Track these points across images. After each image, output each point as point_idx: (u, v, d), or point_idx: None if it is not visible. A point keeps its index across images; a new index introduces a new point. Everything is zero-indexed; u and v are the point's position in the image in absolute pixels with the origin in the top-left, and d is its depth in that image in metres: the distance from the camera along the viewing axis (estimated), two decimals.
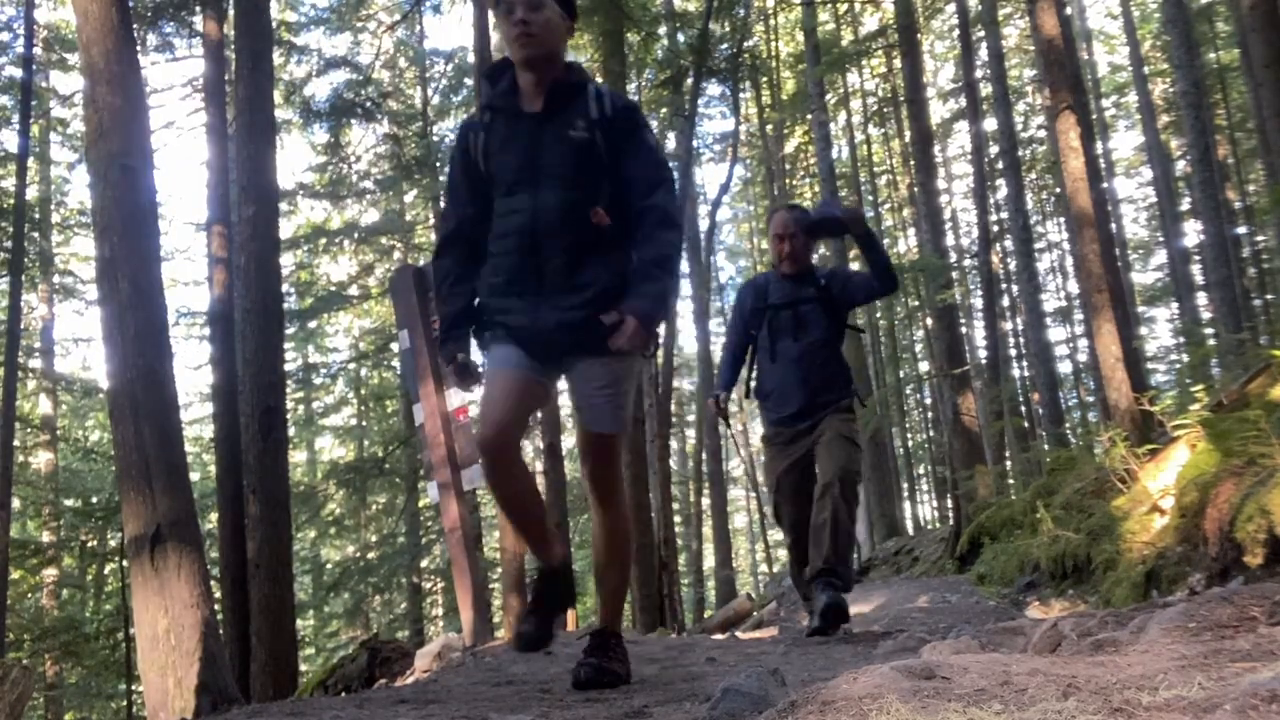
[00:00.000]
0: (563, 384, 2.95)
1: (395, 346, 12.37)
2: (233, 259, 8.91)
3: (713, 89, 18.82)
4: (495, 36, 15.95)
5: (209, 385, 12.79)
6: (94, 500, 14.49)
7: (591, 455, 2.75)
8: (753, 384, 4.63)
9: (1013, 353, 23.93)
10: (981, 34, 17.74)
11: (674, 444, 23.12)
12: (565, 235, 2.60)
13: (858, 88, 25.72)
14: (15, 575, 12.40)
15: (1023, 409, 20.68)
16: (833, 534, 4.00)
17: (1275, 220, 14.33)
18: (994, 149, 19.26)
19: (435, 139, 16.27)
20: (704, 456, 18.04)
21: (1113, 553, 5.87)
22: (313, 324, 18.66)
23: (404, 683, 4.79)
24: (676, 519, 18.49)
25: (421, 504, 16.65)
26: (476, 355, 2.95)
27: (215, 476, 8.98)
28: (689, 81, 13.74)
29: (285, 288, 13.24)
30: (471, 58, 11.73)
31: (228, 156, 9.40)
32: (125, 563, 7.16)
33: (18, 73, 11.70)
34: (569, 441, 22.32)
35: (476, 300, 2.80)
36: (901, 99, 20.34)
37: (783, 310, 4.37)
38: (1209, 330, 18.01)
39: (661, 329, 2.89)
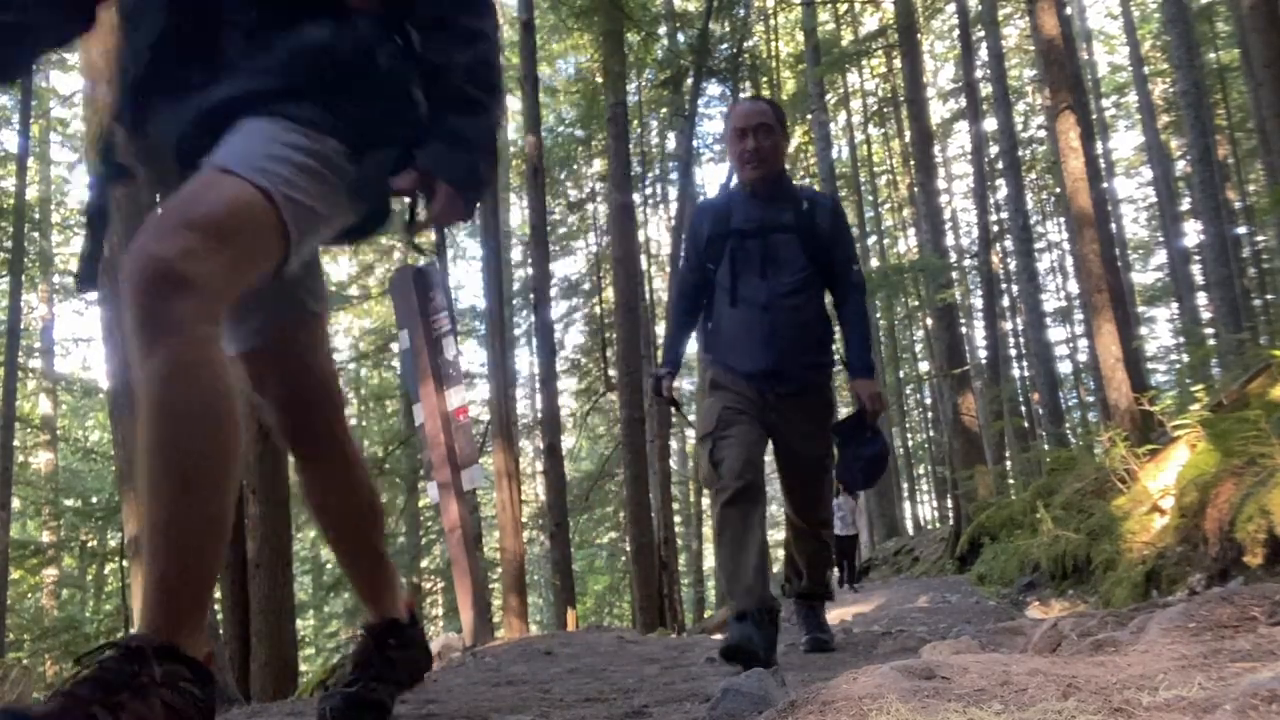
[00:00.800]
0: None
1: (395, 346, 12.38)
2: None
3: (713, 89, 18.83)
4: None
5: None
6: (94, 500, 14.50)
7: (179, 207, 1.28)
8: (708, 335, 3.44)
9: (1013, 353, 23.94)
10: (981, 34, 17.76)
11: (674, 444, 23.14)
12: None
13: (858, 88, 25.74)
14: (15, 575, 12.41)
15: (1023, 409, 20.69)
16: (813, 565, 3.53)
17: (1275, 220, 14.34)
18: (994, 149, 19.27)
19: None
20: None
21: (1113, 553, 5.87)
22: None
23: None
24: (676, 519, 18.50)
25: (421, 504, 16.67)
26: None
27: None
28: (689, 81, 13.75)
29: None
30: None
31: None
32: (125, 563, 7.16)
33: None
34: (569, 441, 22.40)
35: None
36: (901, 99, 20.35)
37: (749, 239, 3.25)
38: (1209, 330, 18.02)
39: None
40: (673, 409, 3.72)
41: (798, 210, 3.29)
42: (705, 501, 19.94)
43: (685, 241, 3.54)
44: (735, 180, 3.46)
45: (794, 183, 3.48)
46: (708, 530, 21.43)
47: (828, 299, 3.46)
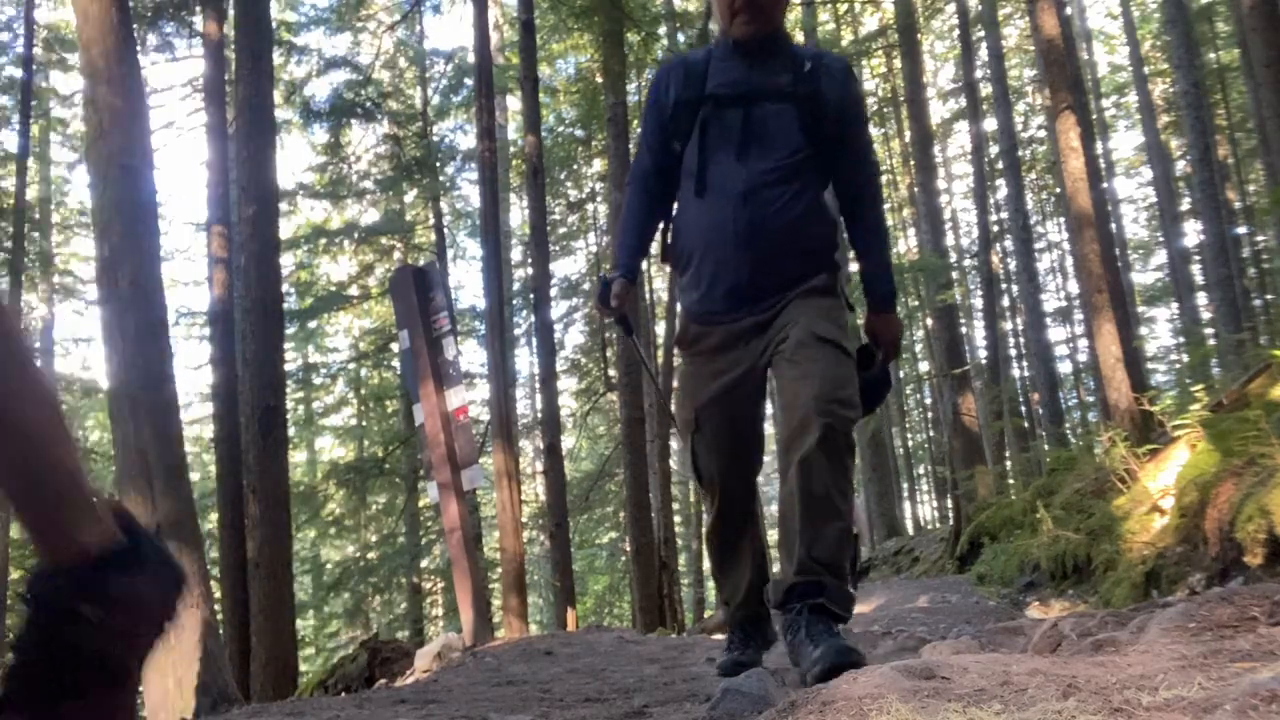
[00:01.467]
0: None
1: (395, 346, 12.38)
2: (233, 259, 8.93)
3: None
4: (495, 36, 15.94)
5: (209, 385, 12.81)
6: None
7: None
8: (672, 245, 2.62)
9: (1013, 353, 23.94)
10: (981, 34, 17.75)
11: (674, 444, 23.15)
12: None
13: None
14: (15, 575, 12.40)
15: (1023, 409, 20.69)
16: (810, 518, 2.13)
17: (1275, 220, 14.34)
18: (994, 149, 19.27)
19: (435, 139, 16.29)
20: None
21: (1113, 553, 5.87)
22: (313, 324, 18.68)
23: (404, 683, 4.79)
24: (676, 519, 18.48)
25: (421, 504, 16.66)
26: None
27: (215, 476, 8.99)
28: None
29: (285, 288, 13.25)
30: (471, 58, 11.74)
31: (228, 156, 9.41)
32: None
33: (18, 73, 11.72)
34: (569, 441, 22.37)
35: None
36: (901, 99, 20.34)
37: (728, 107, 2.41)
38: (1209, 330, 18.02)
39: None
40: (620, 329, 2.72)
41: (797, 73, 2.43)
42: None
43: (644, 114, 2.63)
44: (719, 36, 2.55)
45: (795, 43, 2.57)
46: None
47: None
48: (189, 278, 27.92)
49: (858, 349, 2.49)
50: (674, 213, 2.57)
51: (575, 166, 20.66)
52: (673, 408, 2.76)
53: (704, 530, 2.65)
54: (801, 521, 2.14)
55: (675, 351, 2.62)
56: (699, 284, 2.47)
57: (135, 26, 7.40)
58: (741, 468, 2.49)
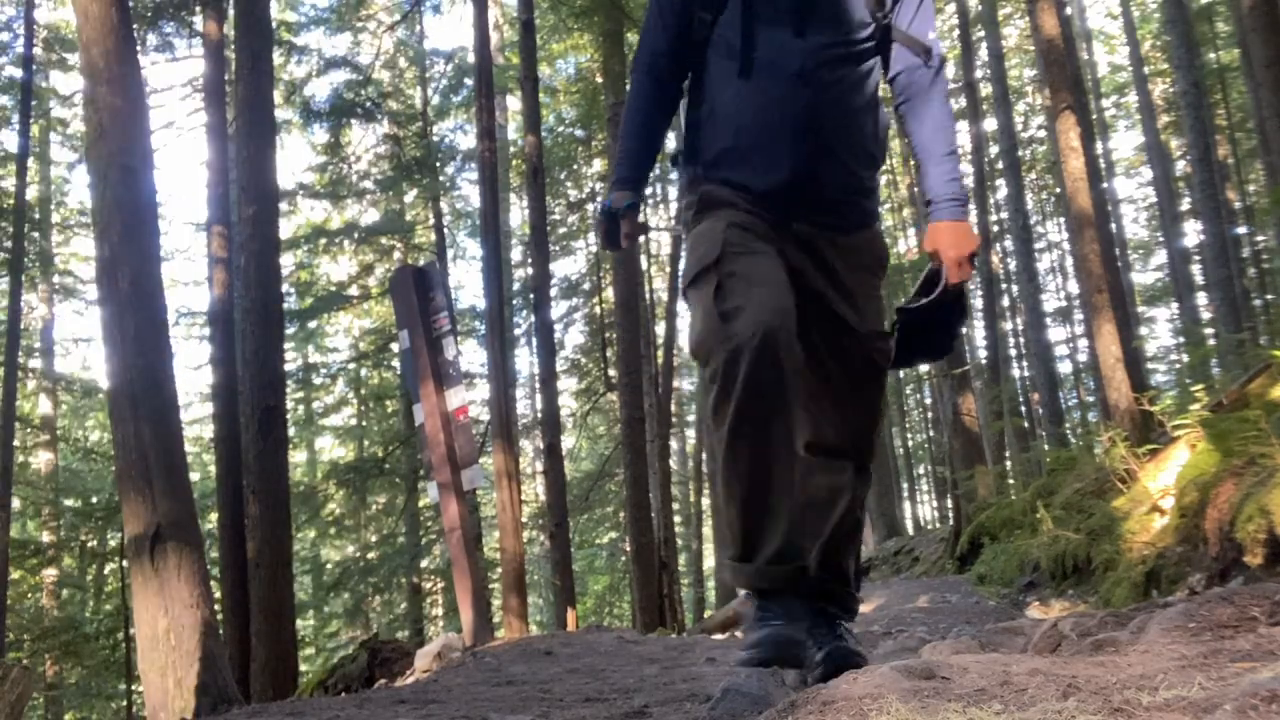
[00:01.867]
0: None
1: (395, 346, 12.38)
2: (233, 259, 8.93)
3: None
4: (495, 36, 15.96)
5: (209, 385, 12.81)
6: (94, 500, 14.49)
7: None
8: (696, 134, 2.12)
9: (1013, 353, 23.94)
10: (981, 34, 17.76)
11: (674, 444, 23.13)
12: None
13: None
14: (15, 575, 12.41)
15: (1023, 409, 20.69)
16: (836, 537, 1.98)
17: (1275, 220, 14.33)
18: (994, 149, 19.27)
19: (435, 139, 16.29)
20: (704, 456, 18.05)
21: (1113, 553, 5.87)
22: (313, 324, 18.68)
23: (404, 683, 4.79)
24: (676, 519, 18.48)
25: (421, 504, 16.66)
26: None
27: (215, 476, 9.00)
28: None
29: (285, 288, 13.25)
30: (471, 58, 11.74)
31: (228, 156, 9.41)
32: (125, 563, 7.16)
33: (18, 73, 11.72)
34: (569, 441, 22.38)
35: None
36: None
37: None
38: (1209, 330, 18.02)
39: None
40: (626, 233, 2.14)
41: None
42: (706, 501, 19.84)
43: None
44: None
45: None
46: (708, 530, 21.37)
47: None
48: (189, 278, 28.00)
49: (925, 271, 2.05)
50: (704, 99, 2.07)
51: (575, 166, 20.66)
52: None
53: (721, 435, 1.85)
54: (827, 535, 1.99)
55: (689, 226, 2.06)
56: (738, 179, 1.98)
57: (135, 26, 7.41)
58: (783, 305, 1.83)
